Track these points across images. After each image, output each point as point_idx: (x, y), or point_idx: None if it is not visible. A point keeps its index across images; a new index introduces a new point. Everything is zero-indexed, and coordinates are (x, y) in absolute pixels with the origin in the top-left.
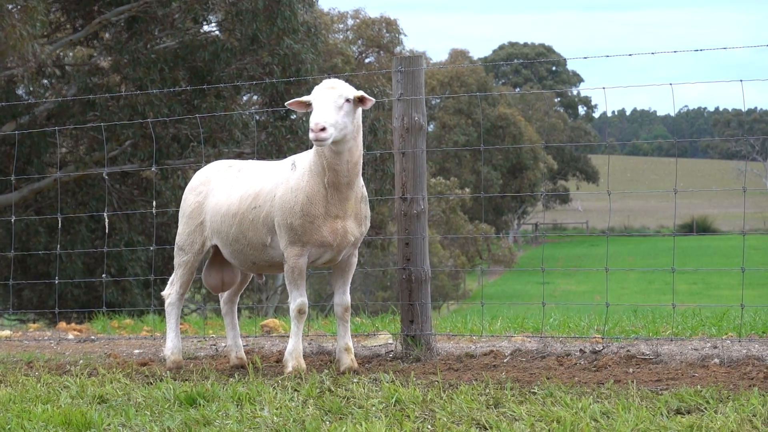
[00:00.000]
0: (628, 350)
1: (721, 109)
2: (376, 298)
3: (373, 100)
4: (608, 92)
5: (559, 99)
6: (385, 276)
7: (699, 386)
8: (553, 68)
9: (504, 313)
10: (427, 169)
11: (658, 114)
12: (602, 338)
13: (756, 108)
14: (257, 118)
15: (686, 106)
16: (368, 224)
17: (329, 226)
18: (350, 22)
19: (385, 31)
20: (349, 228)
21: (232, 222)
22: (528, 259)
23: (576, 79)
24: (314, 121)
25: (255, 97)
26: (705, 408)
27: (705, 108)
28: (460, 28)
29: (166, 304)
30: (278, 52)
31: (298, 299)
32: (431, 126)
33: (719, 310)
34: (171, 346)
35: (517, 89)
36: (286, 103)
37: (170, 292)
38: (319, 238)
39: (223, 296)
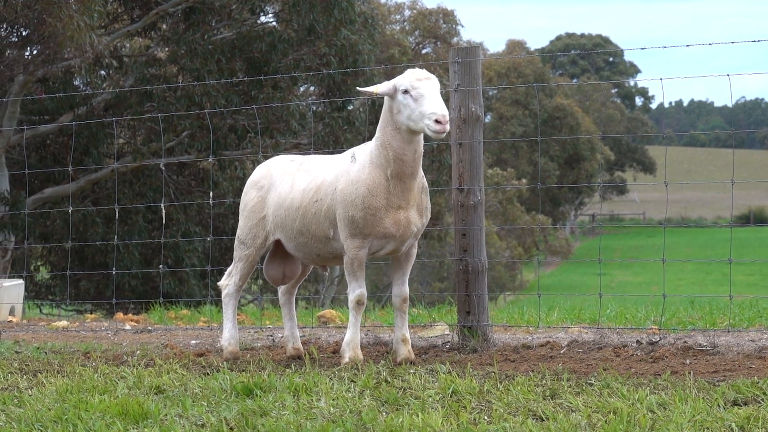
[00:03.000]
0: (684, 341)
1: None
2: (432, 289)
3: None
4: (665, 83)
5: (616, 90)
6: (442, 267)
7: (756, 378)
8: (610, 59)
9: (561, 304)
10: (484, 160)
11: (716, 105)
12: (659, 329)
13: None
14: (314, 108)
15: (744, 96)
16: (429, 215)
17: (392, 217)
18: (407, 12)
19: (442, 21)
20: (412, 218)
21: (296, 216)
22: (585, 250)
23: (633, 69)
24: (441, 112)
25: (312, 88)
26: (762, 399)
27: (763, 99)
28: (518, 18)
29: (223, 295)
30: (335, 43)
31: (357, 290)
32: (488, 117)
33: None
34: (228, 336)
35: (574, 80)
36: (358, 88)
37: (228, 282)
38: (381, 229)
39: (282, 287)
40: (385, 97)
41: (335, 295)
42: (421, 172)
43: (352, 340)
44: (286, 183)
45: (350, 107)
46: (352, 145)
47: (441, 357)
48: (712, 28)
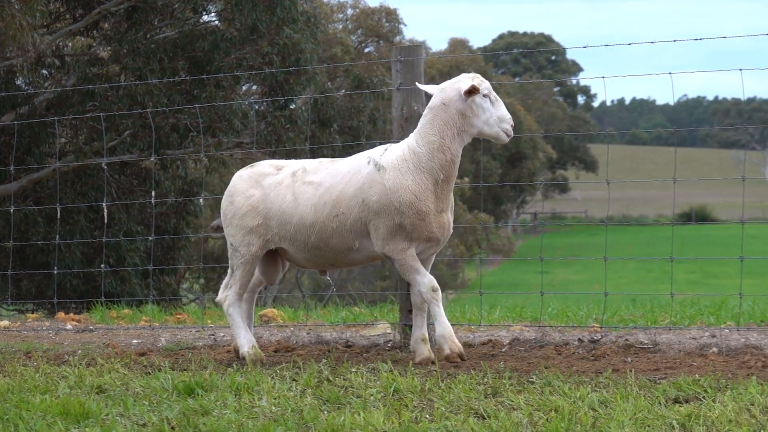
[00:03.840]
0: (626, 339)
1: (720, 98)
2: (374, 288)
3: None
4: (607, 81)
5: (558, 88)
6: (384, 266)
7: (697, 375)
8: (553, 57)
9: (502, 302)
10: None
11: (658, 103)
12: (601, 327)
13: (755, 97)
14: (256, 107)
15: (685, 95)
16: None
17: (437, 221)
18: (350, 11)
19: (384, 20)
20: (449, 219)
21: (310, 232)
22: (527, 249)
23: (575, 68)
24: (512, 119)
25: (254, 87)
26: (703, 397)
27: (704, 97)
28: (460, 17)
29: (225, 307)
30: (278, 42)
31: (424, 280)
32: None
33: (718, 299)
34: (245, 342)
35: (517, 78)
36: (467, 90)
37: (227, 295)
38: (429, 233)
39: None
40: (449, 100)
41: (277, 294)
42: None
43: (444, 331)
44: (286, 197)
45: (292, 106)
46: (294, 144)
47: (383, 356)
48: (655, 26)
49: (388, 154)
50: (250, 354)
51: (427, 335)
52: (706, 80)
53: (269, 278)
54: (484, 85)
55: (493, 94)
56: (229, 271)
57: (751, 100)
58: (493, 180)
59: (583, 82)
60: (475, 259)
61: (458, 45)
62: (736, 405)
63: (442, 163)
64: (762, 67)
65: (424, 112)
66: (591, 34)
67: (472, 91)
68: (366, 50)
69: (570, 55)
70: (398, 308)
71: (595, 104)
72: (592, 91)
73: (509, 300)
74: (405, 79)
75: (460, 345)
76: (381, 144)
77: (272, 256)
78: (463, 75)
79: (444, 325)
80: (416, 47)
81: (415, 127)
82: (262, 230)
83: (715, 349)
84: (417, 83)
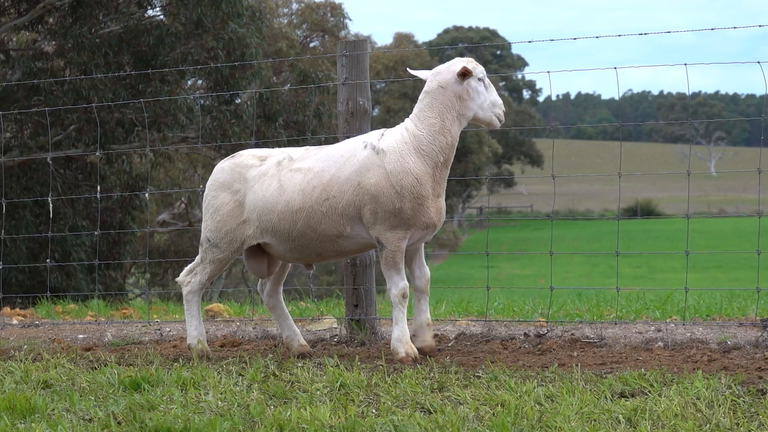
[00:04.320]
0: (572, 334)
1: (665, 92)
2: (321, 283)
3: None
4: (553, 76)
5: (503, 83)
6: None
7: (643, 369)
8: (498, 52)
9: (448, 297)
10: None
11: (603, 98)
12: (546, 322)
13: (700, 92)
14: (202, 102)
15: (630, 89)
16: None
17: (435, 205)
18: (295, 6)
19: (329, 15)
20: (443, 204)
21: (296, 218)
22: (473, 243)
23: (521, 63)
24: (503, 105)
25: (200, 82)
26: (649, 391)
27: (649, 92)
28: (406, 12)
29: (185, 292)
30: (223, 37)
31: (400, 283)
32: (376, 110)
33: (663, 293)
34: (196, 334)
35: None
36: (462, 69)
37: (191, 280)
38: (426, 219)
39: (265, 290)
40: (446, 83)
41: (223, 288)
42: None
43: (402, 335)
44: (271, 185)
45: (238, 101)
46: (240, 139)
47: (329, 350)
48: (600, 21)
49: (387, 138)
50: (197, 347)
51: (430, 320)
52: (651, 75)
53: (259, 272)
54: (478, 69)
55: (487, 80)
56: (198, 258)
57: (696, 95)
58: None
59: (528, 77)
60: None
61: (404, 40)
62: (682, 399)
63: (443, 146)
64: (707, 62)
65: (420, 97)
66: (536, 29)
67: (466, 74)
68: (311, 45)
69: (515, 49)
70: (344, 303)
71: (541, 99)
72: (538, 86)
73: (455, 294)
74: (350, 74)
75: (415, 350)
76: (327, 138)
77: (258, 250)
78: (457, 59)
79: (403, 330)
80: (361, 42)
81: (360, 122)
82: (245, 227)
83: (660, 344)
84: (408, 69)
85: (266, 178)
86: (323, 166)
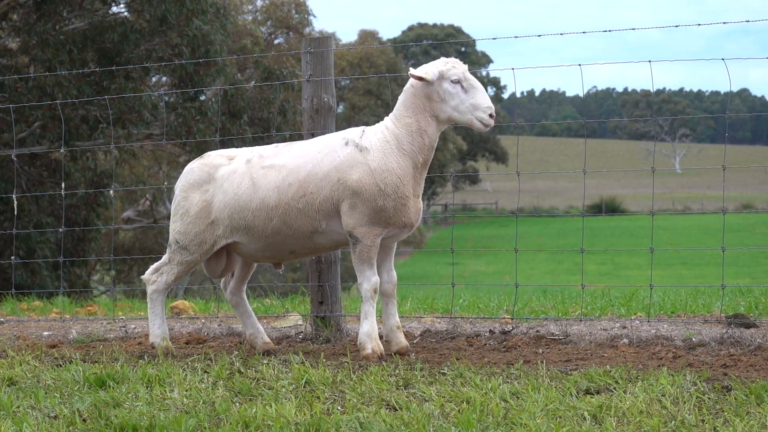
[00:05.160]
0: (537, 331)
1: (629, 89)
2: (286, 279)
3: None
4: (517, 73)
5: None
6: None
7: (608, 366)
8: (463, 49)
9: (414, 293)
10: None
11: (567, 95)
12: (512, 319)
13: (664, 89)
14: (166, 99)
15: (595, 86)
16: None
17: (413, 205)
18: (259, 3)
19: (294, 11)
20: (420, 206)
21: (272, 215)
22: (437, 240)
23: (485, 59)
24: (492, 107)
25: (164, 79)
26: (614, 388)
27: (614, 89)
28: (370, 8)
29: (150, 291)
30: (187, 33)
31: (372, 278)
32: (341, 107)
33: (628, 290)
34: (159, 333)
35: None
36: (409, 73)
37: (156, 279)
38: (405, 219)
39: (228, 288)
40: (417, 83)
41: (188, 285)
42: None
43: (371, 330)
44: (242, 183)
45: (202, 98)
46: (205, 136)
47: (294, 347)
48: (564, 18)
49: (369, 136)
50: (161, 345)
51: (399, 322)
52: (615, 72)
53: (213, 272)
54: (453, 71)
55: (469, 81)
56: (165, 258)
57: (660, 92)
58: None
59: (493, 74)
60: None
61: (368, 36)
62: (647, 396)
63: (421, 146)
64: (671, 59)
65: (401, 94)
66: (501, 26)
67: (421, 79)
68: (276, 42)
69: (480, 46)
70: (309, 300)
71: (505, 96)
72: (502, 83)
73: (420, 291)
74: (315, 71)
75: (382, 347)
76: (291, 135)
77: (219, 250)
78: (440, 59)
79: (372, 325)
80: (326, 39)
81: (325, 119)
82: (214, 227)
83: (625, 340)
84: (411, 69)
85: (236, 176)
86: (299, 163)
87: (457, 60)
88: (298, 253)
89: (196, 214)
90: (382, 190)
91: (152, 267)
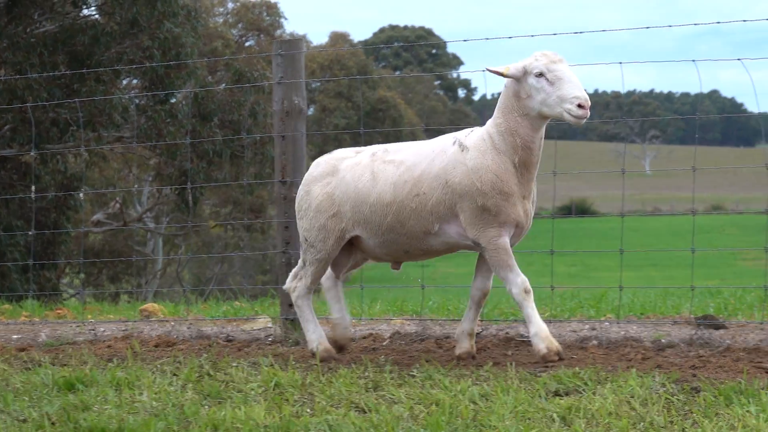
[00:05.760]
0: (506, 333)
1: (600, 91)
2: (255, 282)
3: None
4: (488, 75)
5: (439, 82)
6: (265, 260)
7: (577, 368)
8: (434, 51)
9: (383, 296)
10: (307, 153)
11: None
12: (481, 320)
13: (635, 90)
14: (137, 102)
15: None
16: (535, 205)
17: (521, 206)
18: (230, 5)
19: (265, 14)
20: (529, 209)
21: (386, 212)
22: None
23: (456, 61)
24: (584, 96)
25: (135, 81)
26: (583, 390)
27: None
28: (341, 10)
29: (294, 298)
30: (158, 36)
31: (517, 279)
32: (311, 109)
33: (598, 291)
34: (316, 337)
35: (397, 72)
36: (487, 68)
37: (296, 285)
38: (516, 216)
39: (326, 274)
40: (508, 81)
41: (158, 288)
42: None
43: (539, 330)
44: (363, 176)
45: (173, 100)
46: (175, 138)
47: (264, 350)
48: (535, 20)
49: (472, 135)
50: (320, 348)
51: (474, 331)
52: (586, 73)
53: (338, 270)
54: (535, 63)
55: (554, 72)
56: (300, 262)
57: (630, 93)
58: None
59: (463, 76)
60: None
61: (339, 38)
62: (616, 397)
63: (513, 146)
64: (642, 60)
65: None
66: (472, 28)
67: (499, 73)
68: (247, 44)
69: (450, 48)
70: (279, 302)
71: (476, 98)
72: (473, 85)
73: (390, 293)
74: (286, 73)
75: (557, 343)
76: (262, 137)
77: (346, 247)
78: (535, 52)
79: (539, 325)
80: (297, 41)
81: (295, 121)
82: (337, 220)
83: (595, 342)
84: (487, 67)
85: (358, 168)
86: (415, 161)
87: (548, 52)
88: (412, 254)
89: (317, 208)
90: (479, 188)
91: (291, 274)
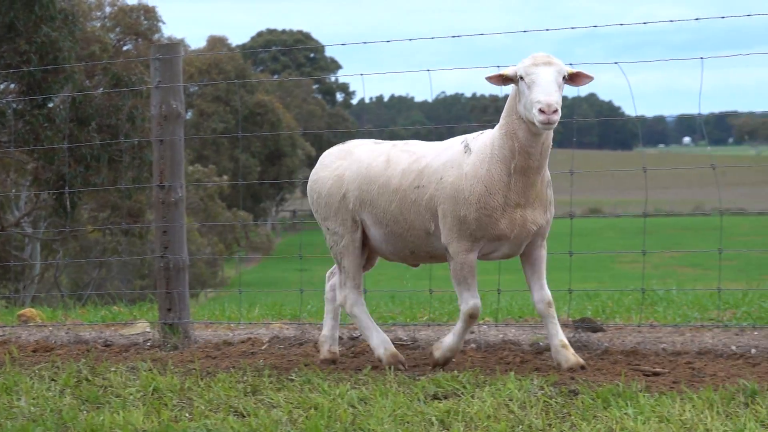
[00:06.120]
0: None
1: (478, 95)
2: (134, 287)
3: (592, 76)
4: (366, 79)
5: (317, 86)
6: (144, 264)
7: (456, 371)
8: (312, 55)
9: (262, 300)
10: (185, 157)
11: (416, 100)
12: (341, 325)
13: None
14: (14, 106)
15: (443, 92)
16: (553, 210)
17: (507, 217)
18: (108, 9)
19: (143, 18)
20: (530, 217)
21: (392, 198)
22: (286, 246)
23: (334, 65)
24: (546, 101)
25: (12, 86)
26: (462, 393)
27: (462, 94)
28: (219, 14)
29: (348, 309)
30: (35, 40)
31: (470, 301)
32: (189, 113)
33: None
34: (379, 342)
35: (275, 76)
36: (485, 77)
37: (345, 294)
38: (495, 231)
39: (330, 282)
40: (513, 84)
41: (36, 293)
42: (546, 166)
43: (454, 345)
44: (379, 158)
45: (51, 105)
46: (53, 143)
47: (142, 355)
48: (413, 24)
49: (479, 138)
50: (385, 355)
51: (566, 340)
52: (464, 77)
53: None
54: (520, 65)
55: (530, 76)
56: (337, 268)
57: (508, 97)
58: (252, 178)
59: (341, 80)
60: (234, 257)
61: (217, 43)
62: (495, 400)
63: (512, 150)
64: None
65: None
66: (350, 32)
67: (500, 76)
68: (125, 48)
69: (329, 52)
70: (157, 307)
71: (354, 101)
72: (351, 89)
73: (269, 298)
74: (164, 77)
75: (401, 356)
76: (140, 141)
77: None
78: (531, 55)
79: (457, 341)
80: (175, 45)
81: (173, 125)
82: (346, 201)
83: (473, 345)
84: (486, 76)
85: (376, 151)
86: (425, 152)
87: (538, 54)
88: (418, 255)
89: (328, 192)
90: (465, 198)
91: (337, 287)
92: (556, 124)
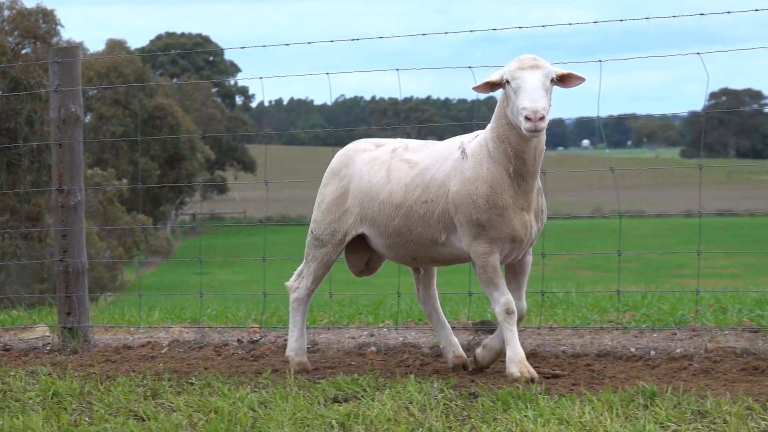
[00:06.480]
0: (285, 340)
1: (377, 98)
2: (33, 291)
3: (583, 78)
4: (265, 82)
5: (216, 89)
6: (43, 268)
7: (356, 374)
8: (211, 58)
9: (162, 303)
10: (84, 161)
11: (315, 103)
12: (260, 328)
13: (412, 97)
14: None
15: (343, 95)
16: (545, 219)
17: (519, 218)
18: (6, 13)
19: (42, 21)
20: (532, 222)
21: (395, 213)
22: (186, 250)
23: (234, 69)
24: (531, 108)
25: None
26: (362, 396)
27: (362, 97)
28: (118, 18)
29: (291, 299)
30: None
31: (501, 299)
32: (88, 117)
33: (376, 297)
34: (296, 346)
35: (175, 79)
36: (472, 87)
37: (298, 286)
38: (510, 231)
39: (420, 296)
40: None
41: None
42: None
43: (515, 355)
44: (380, 172)
45: None
46: None
47: (41, 359)
48: (313, 27)
49: (474, 141)
50: (294, 360)
51: (508, 352)
52: (363, 80)
53: (354, 267)
54: (506, 69)
55: (517, 81)
56: (304, 260)
57: (408, 100)
58: (152, 181)
59: (241, 83)
60: (134, 260)
61: (116, 46)
62: (395, 403)
63: (507, 155)
64: (418, 67)
65: None
66: (249, 35)
67: (487, 83)
68: (23, 51)
69: (228, 55)
70: (57, 311)
71: (254, 105)
72: (251, 92)
73: (168, 301)
74: (62, 81)
75: (532, 369)
76: (39, 145)
77: (359, 242)
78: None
79: (515, 350)
80: (74, 48)
81: (72, 129)
82: (347, 216)
83: (373, 348)
84: (473, 87)
85: (376, 164)
86: (428, 164)
87: (524, 56)
88: (420, 260)
89: (331, 201)
90: (473, 202)
91: (295, 272)
92: (544, 130)
